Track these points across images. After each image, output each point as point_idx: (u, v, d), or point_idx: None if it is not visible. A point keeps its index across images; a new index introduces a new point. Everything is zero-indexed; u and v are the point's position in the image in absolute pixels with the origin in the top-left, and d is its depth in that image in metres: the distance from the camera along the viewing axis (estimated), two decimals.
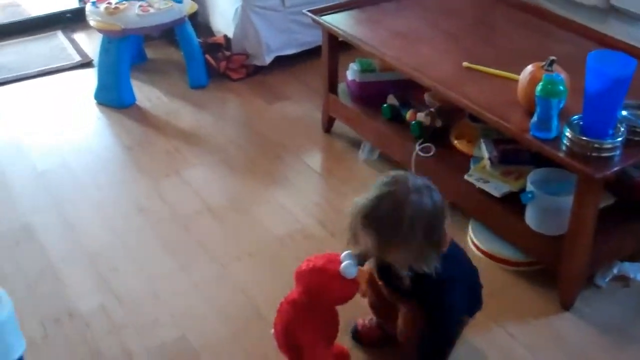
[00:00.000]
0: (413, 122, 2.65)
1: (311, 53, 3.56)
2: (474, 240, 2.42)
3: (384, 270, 1.85)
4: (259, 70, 3.58)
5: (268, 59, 3.54)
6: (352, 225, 1.70)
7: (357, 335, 2.09)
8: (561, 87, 2.02)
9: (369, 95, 2.91)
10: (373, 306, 2.04)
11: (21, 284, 2.33)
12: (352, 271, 1.75)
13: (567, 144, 2.01)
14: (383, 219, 1.65)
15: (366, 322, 2.10)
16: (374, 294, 1.99)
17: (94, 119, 3.29)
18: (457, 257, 1.85)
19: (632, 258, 2.32)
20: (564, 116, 2.07)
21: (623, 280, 2.29)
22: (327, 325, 1.83)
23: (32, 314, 2.21)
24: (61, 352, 2.08)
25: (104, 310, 2.22)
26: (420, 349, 1.84)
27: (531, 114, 2.10)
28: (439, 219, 1.70)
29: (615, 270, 2.28)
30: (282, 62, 3.58)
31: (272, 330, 1.91)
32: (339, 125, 3.09)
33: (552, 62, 2.13)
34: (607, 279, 2.27)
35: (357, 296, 1.86)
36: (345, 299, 1.80)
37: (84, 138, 3.14)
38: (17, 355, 1.07)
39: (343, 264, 1.75)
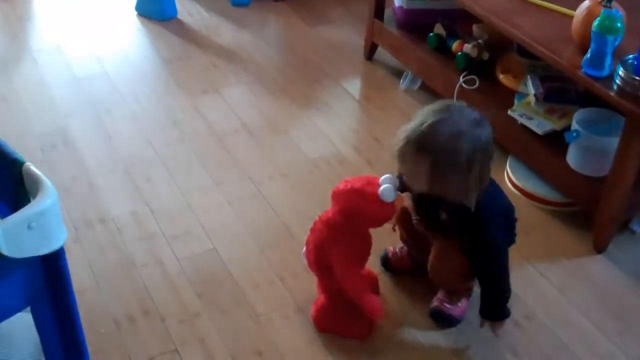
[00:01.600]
0: (459, 53, 2.59)
1: None
2: (511, 177, 2.38)
3: (421, 202, 1.82)
4: None
5: None
6: (404, 151, 1.66)
7: (387, 263, 2.09)
8: (619, 24, 1.95)
9: (415, 23, 2.84)
10: (404, 240, 2.04)
11: (55, 187, 2.34)
12: (391, 195, 1.73)
13: (619, 83, 1.95)
14: (441, 146, 1.61)
15: (397, 250, 2.09)
16: (405, 231, 1.99)
17: (134, 30, 3.26)
18: (494, 193, 1.82)
19: None
20: (618, 55, 2.00)
21: None
22: (359, 247, 1.82)
23: (64, 217, 2.23)
24: (92, 255, 2.10)
25: (136, 218, 2.24)
26: (485, 291, 1.83)
27: (584, 51, 2.04)
28: (490, 154, 1.68)
29: None
30: None
31: (303, 249, 1.91)
32: (380, 53, 3.03)
33: None
34: None
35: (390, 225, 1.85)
36: (381, 221, 1.79)
37: (123, 49, 3.12)
38: (58, 245, 1.08)
39: (382, 187, 1.73)
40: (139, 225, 2.21)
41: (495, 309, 1.84)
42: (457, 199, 1.69)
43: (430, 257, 1.88)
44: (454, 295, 1.94)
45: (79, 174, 2.41)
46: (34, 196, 1.06)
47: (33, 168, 1.09)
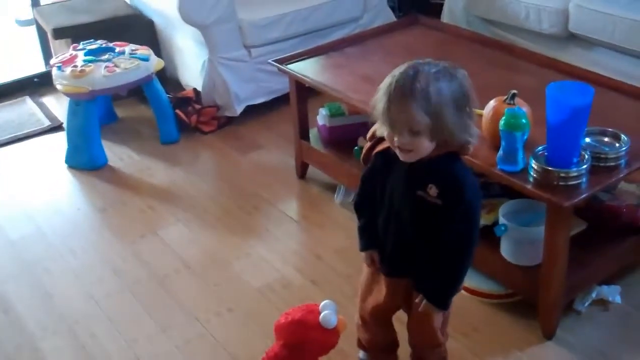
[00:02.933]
0: None
1: (281, 100, 3.57)
2: None
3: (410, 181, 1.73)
4: (230, 121, 3.60)
5: (239, 109, 3.56)
6: (398, 102, 1.61)
7: None
8: (524, 120, 2.04)
9: (340, 139, 2.93)
10: (368, 343, 2.02)
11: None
12: (332, 320, 1.74)
13: (534, 175, 2.03)
14: (432, 81, 1.61)
15: None
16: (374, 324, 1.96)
17: (66, 183, 3.27)
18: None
19: (609, 281, 2.33)
20: (530, 147, 2.09)
21: (602, 304, 2.30)
22: None
23: None
24: None
25: None
26: (443, 273, 1.73)
27: (497, 148, 2.12)
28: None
29: (593, 295, 2.29)
30: (252, 111, 3.61)
31: None
32: (312, 171, 3.10)
33: (513, 96, 2.15)
34: (587, 304, 2.28)
35: (341, 345, 1.84)
36: (327, 349, 1.79)
37: (56, 203, 3.12)
38: None
39: (322, 314, 1.75)
40: None
41: (443, 294, 1.76)
42: (460, 137, 1.64)
43: (408, 324, 1.89)
44: None
45: (22, 341, 2.35)
46: None
47: None
